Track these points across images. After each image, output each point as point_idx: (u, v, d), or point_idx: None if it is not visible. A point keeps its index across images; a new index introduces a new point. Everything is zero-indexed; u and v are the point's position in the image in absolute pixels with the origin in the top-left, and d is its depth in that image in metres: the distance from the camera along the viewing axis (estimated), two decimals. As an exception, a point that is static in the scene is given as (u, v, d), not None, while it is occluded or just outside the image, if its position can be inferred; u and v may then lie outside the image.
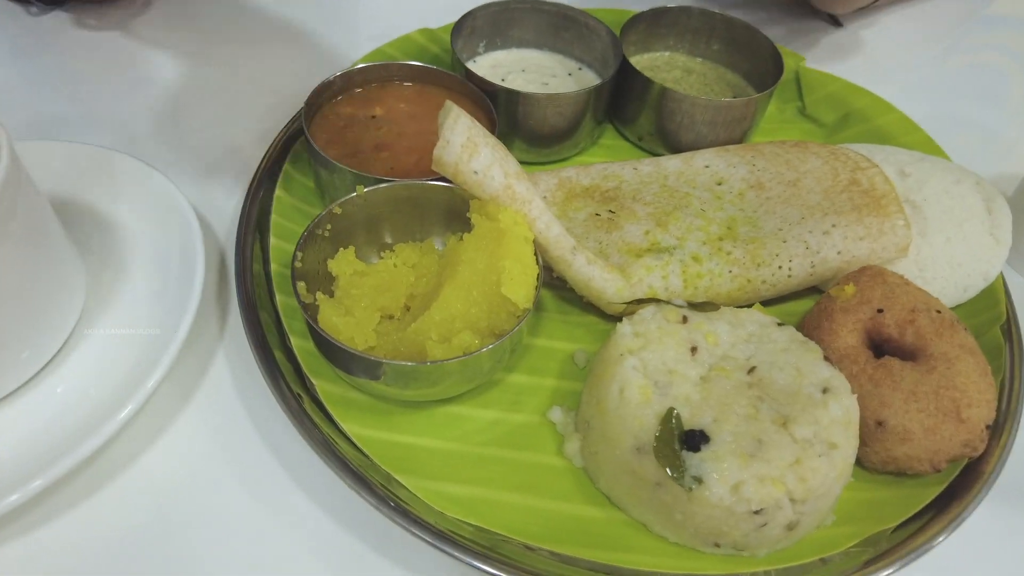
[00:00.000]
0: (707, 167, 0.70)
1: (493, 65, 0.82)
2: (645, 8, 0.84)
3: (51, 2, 0.94)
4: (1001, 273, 0.64)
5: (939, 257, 0.63)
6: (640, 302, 0.58)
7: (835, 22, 1.19)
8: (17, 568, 0.49)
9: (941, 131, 0.81)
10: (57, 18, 0.93)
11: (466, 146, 0.53)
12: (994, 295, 0.64)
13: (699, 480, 0.45)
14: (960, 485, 0.52)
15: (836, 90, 0.86)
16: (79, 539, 0.51)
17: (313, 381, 0.56)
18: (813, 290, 0.67)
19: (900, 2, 1.31)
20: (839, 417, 0.47)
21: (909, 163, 0.70)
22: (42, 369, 0.55)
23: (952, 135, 0.83)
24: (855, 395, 0.50)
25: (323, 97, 0.69)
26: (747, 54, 0.84)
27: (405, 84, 0.73)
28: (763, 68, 0.82)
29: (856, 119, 0.83)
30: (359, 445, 0.53)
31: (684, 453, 0.45)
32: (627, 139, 0.82)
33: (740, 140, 0.78)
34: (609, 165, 0.70)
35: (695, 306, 0.55)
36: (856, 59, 1.04)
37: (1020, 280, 0.72)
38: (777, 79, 0.76)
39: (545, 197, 0.67)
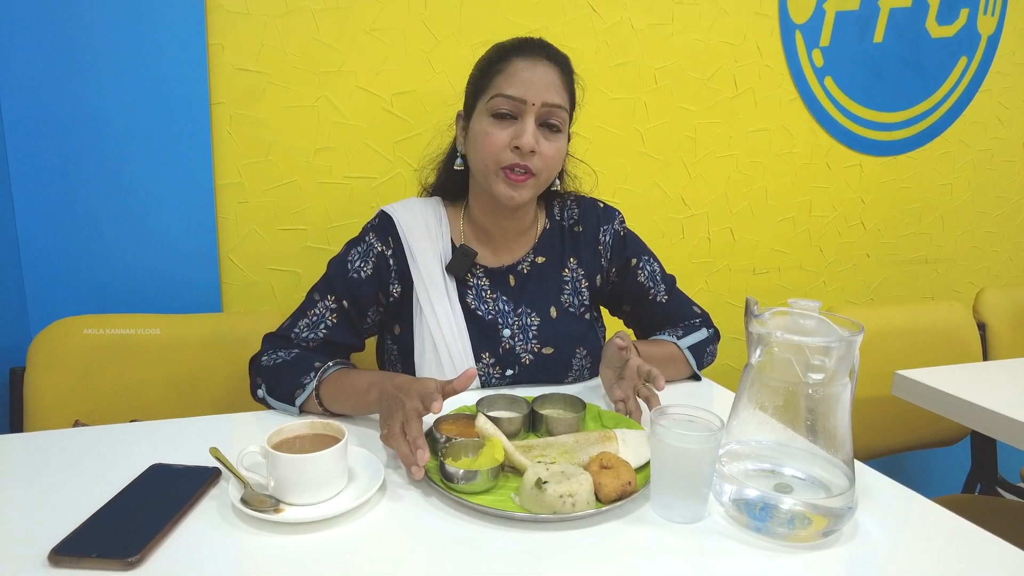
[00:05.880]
0: (565, 441, 1.96)
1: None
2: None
3: None
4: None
5: (629, 452, 1.86)
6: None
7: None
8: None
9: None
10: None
11: (482, 426, 1.83)
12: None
13: (544, 488, 1.56)
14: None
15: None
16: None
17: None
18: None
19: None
20: (586, 480, 1.65)
21: (628, 431, 1.97)
22: (341, 491, 1.47)
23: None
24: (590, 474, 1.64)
25: (436, 422, 1.75)
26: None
27: (464, 415, 1.85)
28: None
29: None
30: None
31: (544, 484, 1.62)
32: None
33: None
34: (533, 441, 1.88)
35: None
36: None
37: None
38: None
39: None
